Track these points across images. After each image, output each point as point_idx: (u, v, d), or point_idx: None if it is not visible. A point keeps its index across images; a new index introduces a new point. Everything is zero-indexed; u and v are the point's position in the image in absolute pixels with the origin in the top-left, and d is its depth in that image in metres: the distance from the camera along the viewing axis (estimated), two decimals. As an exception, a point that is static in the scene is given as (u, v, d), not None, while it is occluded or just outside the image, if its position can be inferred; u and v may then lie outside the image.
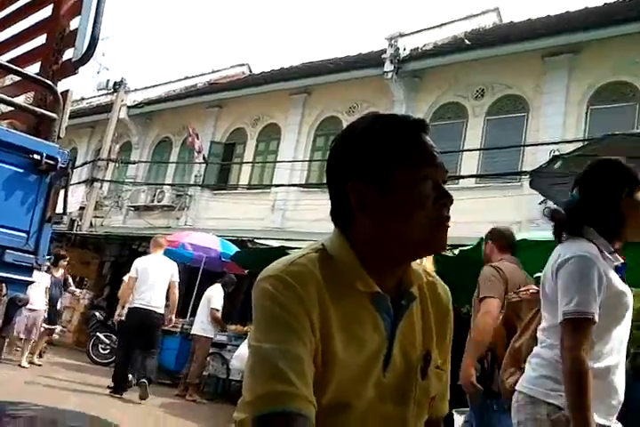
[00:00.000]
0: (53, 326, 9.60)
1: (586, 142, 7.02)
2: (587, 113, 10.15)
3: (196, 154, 15.11)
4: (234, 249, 10.09)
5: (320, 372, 0.98)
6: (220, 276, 9.36)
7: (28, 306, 8.11)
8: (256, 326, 1.00)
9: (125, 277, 7.91)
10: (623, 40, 9.48)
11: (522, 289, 3.16)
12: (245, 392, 0.94)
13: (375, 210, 1.04)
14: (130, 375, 7.21)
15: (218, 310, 8.45)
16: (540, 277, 2.21)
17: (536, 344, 2.12)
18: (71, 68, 2.72)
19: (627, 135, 4.30)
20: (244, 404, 0.94)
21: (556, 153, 5.42)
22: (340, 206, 1.08)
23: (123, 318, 7.50)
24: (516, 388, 2.09)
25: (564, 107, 10.22)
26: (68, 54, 2.76)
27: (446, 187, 1.08)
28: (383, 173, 1.04)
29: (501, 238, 3.75)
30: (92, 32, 2.56)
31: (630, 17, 9.30)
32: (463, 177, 10.54)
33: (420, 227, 1.02)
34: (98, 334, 10.30)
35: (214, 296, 8.53)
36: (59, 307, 9.79)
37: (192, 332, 8.57)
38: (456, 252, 6.74)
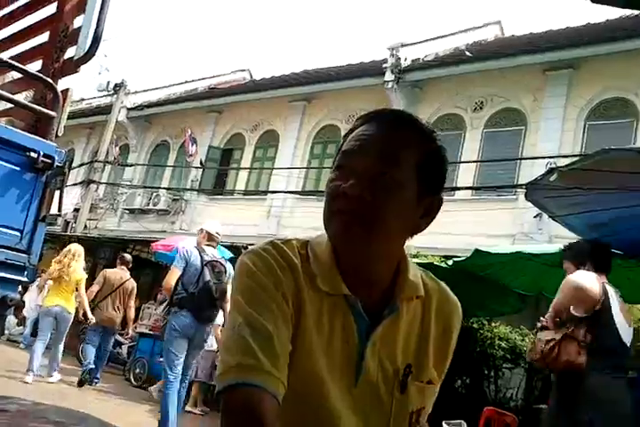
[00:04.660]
0: None
1: (582, 157, 7.02)
2: (584, 128, 10.17)
3: (187, 158, 15.10)
4: (228, 255, 10.04)
5: (292, 354, 0.96)
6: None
7: None
8: (233, 301, 0.99)
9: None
10: (623, 56, 9.53)
11: None
12: (218, 364, 0.95)
13: None
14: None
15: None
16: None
17: None
18: (73, 66, 2.71)
19: (623, 150, 4.29)
20: (216, 376, 0.95)
21: (553, 166, 5.43)
22: None
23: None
24: None
25: (562, 122, 10.25)
26: (70, 53, 2.76)
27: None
28: (334, 162, 1.05)
29: None
30: (95, 31, 2.55)
31: (631, 34, 9.34)
32: (459, 189, 10.55)
33: (324, 218, 1.01)
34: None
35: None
36: None
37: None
38: (450, 263, 6.73)
